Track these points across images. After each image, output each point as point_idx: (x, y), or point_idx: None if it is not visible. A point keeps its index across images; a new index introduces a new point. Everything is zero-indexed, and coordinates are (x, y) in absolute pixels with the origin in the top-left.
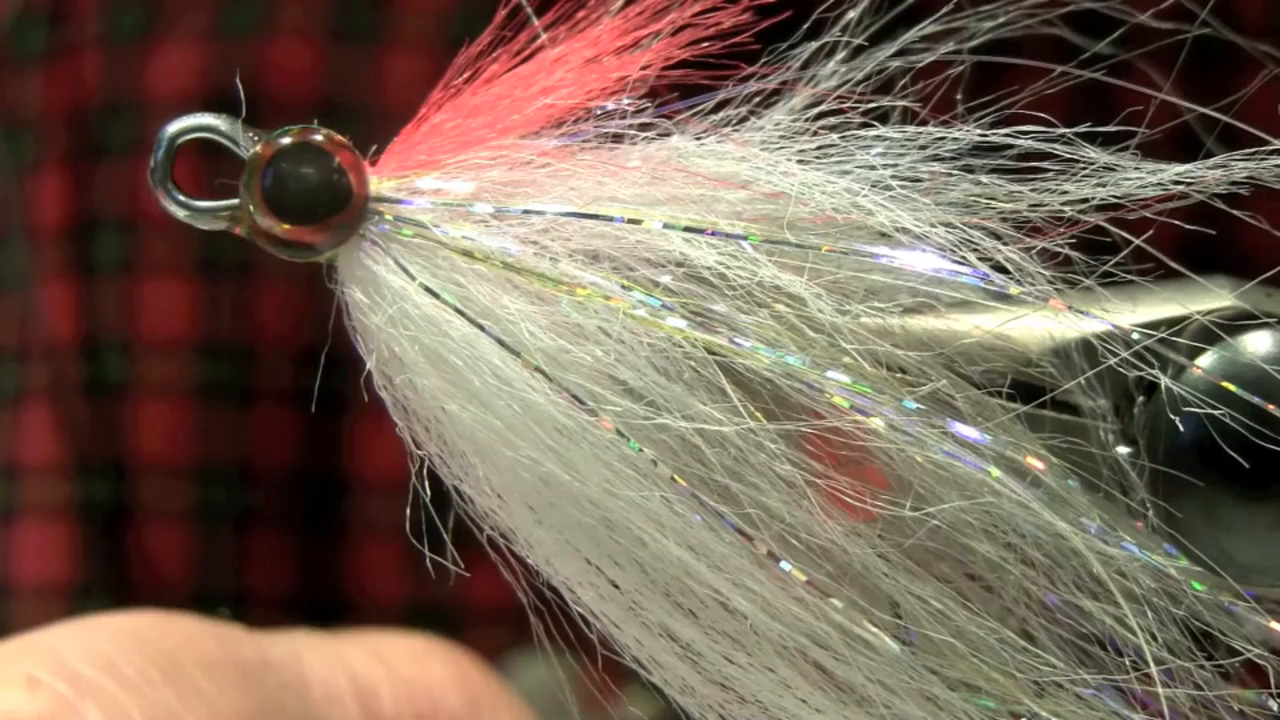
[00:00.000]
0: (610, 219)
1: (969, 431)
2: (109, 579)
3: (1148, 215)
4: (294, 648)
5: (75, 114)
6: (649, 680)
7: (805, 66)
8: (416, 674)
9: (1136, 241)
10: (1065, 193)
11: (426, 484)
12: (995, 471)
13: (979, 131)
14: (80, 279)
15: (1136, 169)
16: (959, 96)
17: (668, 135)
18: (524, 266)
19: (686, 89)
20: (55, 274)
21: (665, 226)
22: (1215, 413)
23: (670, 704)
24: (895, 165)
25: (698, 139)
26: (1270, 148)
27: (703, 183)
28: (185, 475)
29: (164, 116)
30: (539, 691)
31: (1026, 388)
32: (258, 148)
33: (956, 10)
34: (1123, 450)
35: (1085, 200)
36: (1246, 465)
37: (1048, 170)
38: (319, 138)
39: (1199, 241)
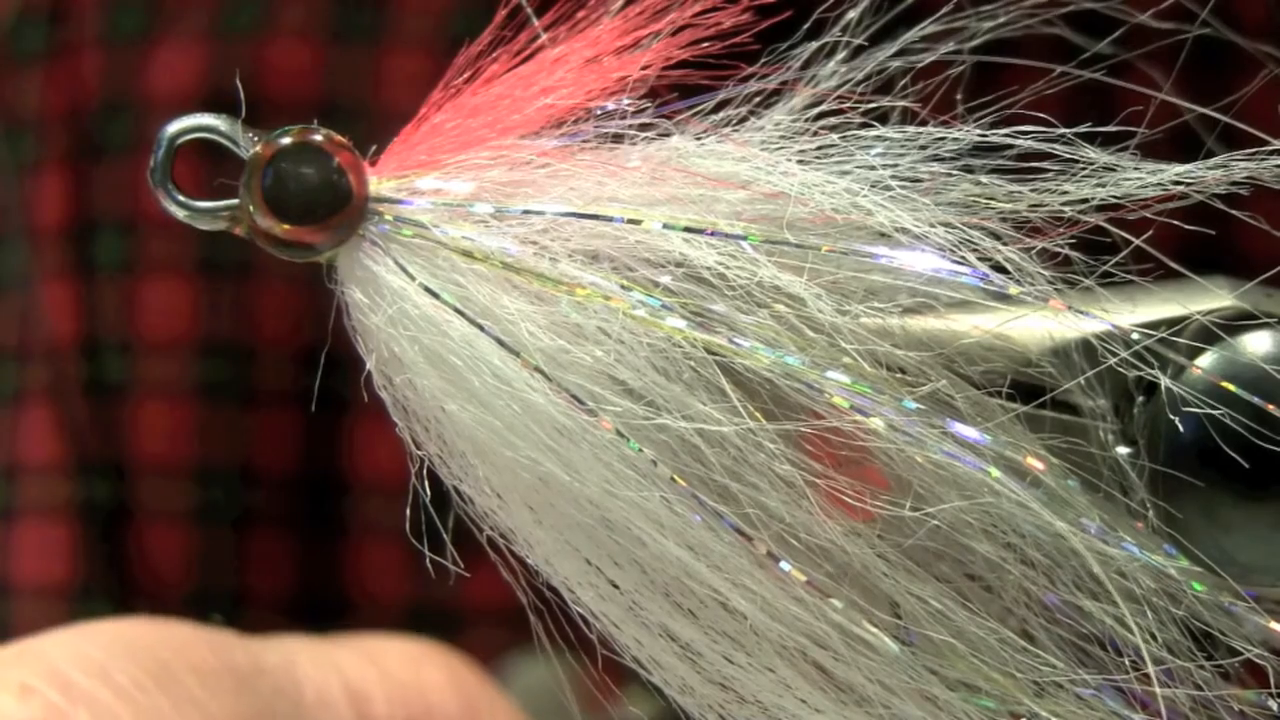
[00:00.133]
0: (610, 219)
1: (969, 431)
2: (109, 580)
3: (1148, 215)
4: (287, 653)
5: (75, 114)
6: (649, 680)
7: (805, 66)
8: (411, 678)
9: (1136, 241)
10: (1065, 193)
11: (426, 484)
12: (995, 471)
13: (979, 131)
14: (80, 279)
15: (1136, 169)
16: (959, 96)
17: (668, 135)
18: (524, 266)
19: (686, 89)
20: (55, 274)
21: (665, 226)
22: (1215, 413)
23: (670, 704)
24: (895, 165)
25: (698, 139)
26: (1270, 148)
27: (703, 183)
28: (185, 476)
29: (164, 117)
30: (539, 692)
31: (1026, 388)
32: (258, 148)
33: (956, 10)
34: (1123, 450)
35: (1085, 200)
36: (1246, 465)
37: (1047, 170)
38: (319, 138)
39: (1199, 241)
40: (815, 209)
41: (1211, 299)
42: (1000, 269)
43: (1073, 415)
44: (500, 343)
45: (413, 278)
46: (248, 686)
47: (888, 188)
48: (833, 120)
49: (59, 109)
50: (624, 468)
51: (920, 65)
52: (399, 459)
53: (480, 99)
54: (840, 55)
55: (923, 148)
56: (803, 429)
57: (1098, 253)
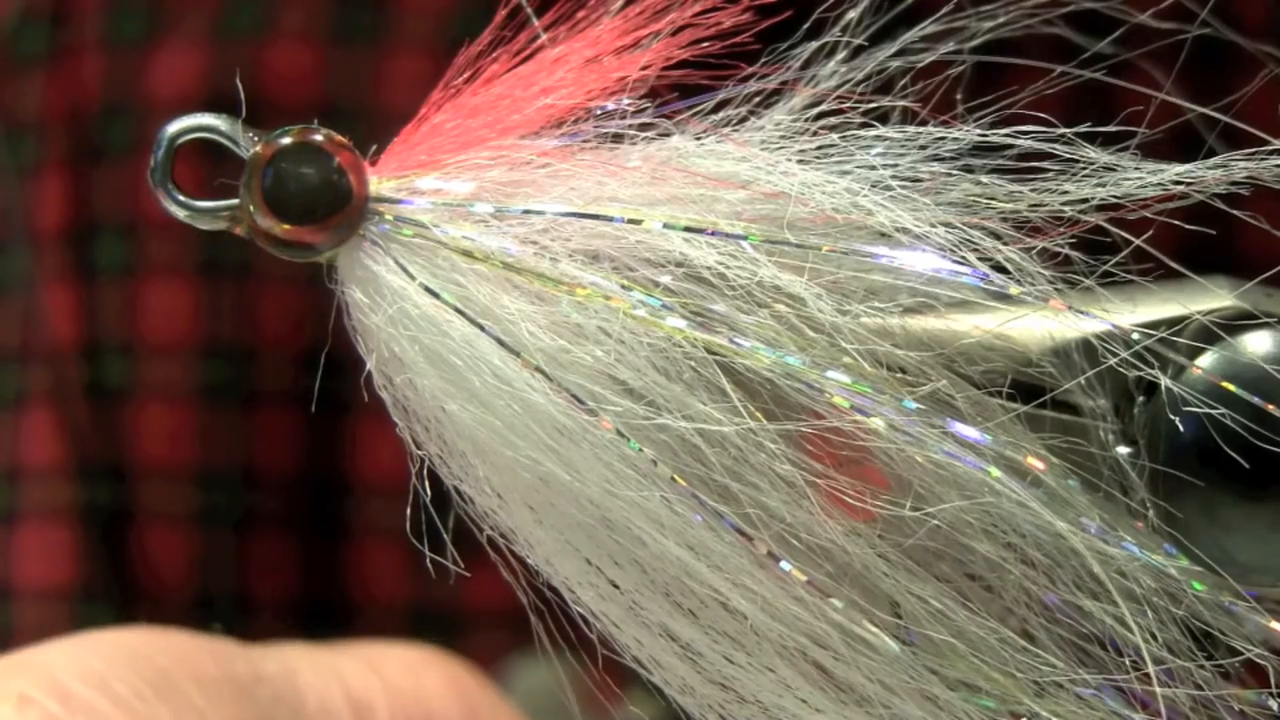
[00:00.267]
0: (610, 219)
1: (969, 431)
2: (111, 582)
3: (1148, 215)
4: (288, 661)
5: (76, 116)
6: (649, 681)
7: (805, 66)
8: (412, 685)
9: (1136, 241)
10: (1065, 193)
11: (427, 485)
12: (995, 471)
13: (979, 131)
14: (81, 282)
15: (1136, 169)
16: (959, 96)
17: (668, 135)
18: (524, 266)
19: (686, 89)
20: (56, 277)
21: (665, 226)
22: (1215, 413)
23: (671, 705)
24: (895, 165)
25: (698, 139)
26: (1270, 148)
27: (703, 183)
28: (187, 478)
29: (165, 119)
30: (541, 694)
31: (1026, 388)
32: (258, 148)
33: (956, 10)
34: (1123, 450)
35: (1085, 200)
36: (1246, 465)
37: (1048, 170)
38: (319, 138)
39: (1199, 241)
40: (815, 209)
41: (1211, 299)
42: (1000, 269)
43: (1073, 415)
44: (500, 343)
45: (413, 277)
46: (248, 695)
47: (888, 188)
48: (833, 120)
49: (60, 111)
50: (624, 467)
51: (920, 65)
52: (401, 460)
53: (480, 99)
54: (840, 55)
55: (923, 148)
56: (803, 429)
57: (1098, 253)
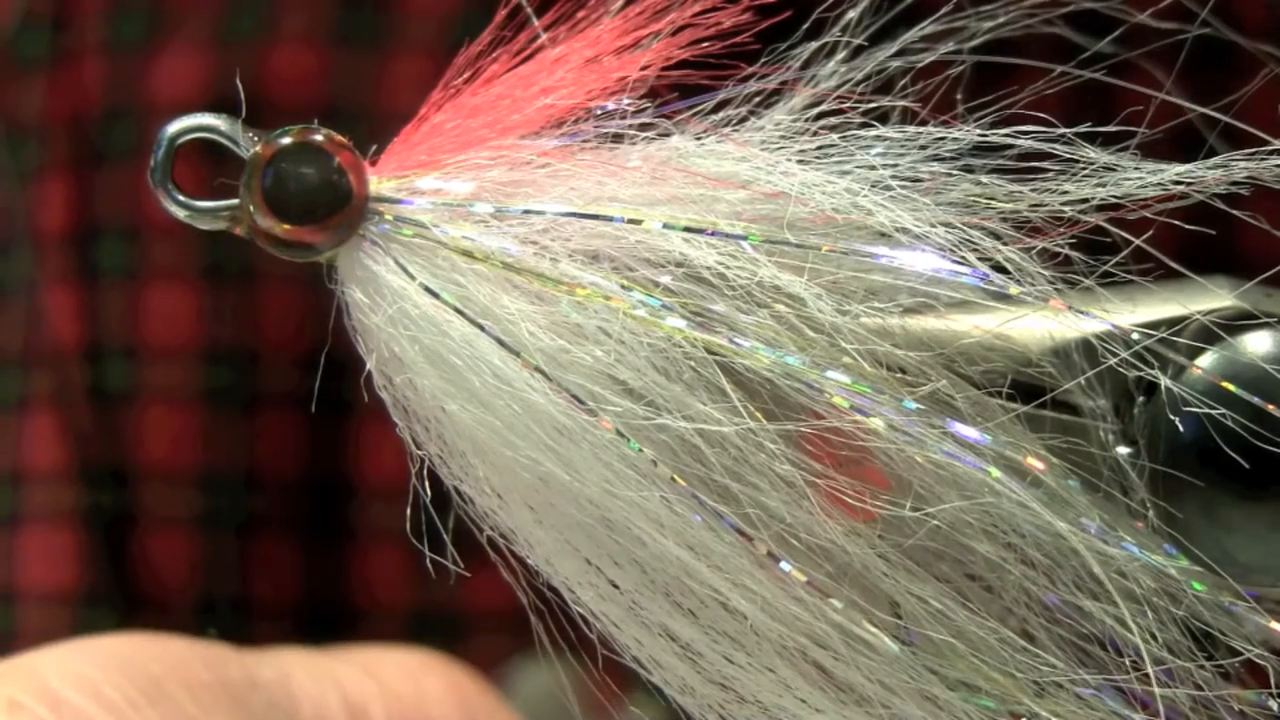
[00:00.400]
0: (610, 219)
1: (969, 431)
2: (113, 586)
3: (1148, 215)
4: (283, 667)
5: (78, 120)
6: (649, 681)
7: (805, 66)
8: (411, 690)
9: (1136, 241)
10: (1065, 193)
11: (427, 486)
12: (995, 471)
13: (979, 131)
14: (84, 285)
15: (1136, 169)
16: (959, 96)
17: (668, 135)
18: (524, 266)
19: (686, 89)
20: (59, 280)
21: (665, 226)
22: (1215, 413)
23: (673, 708)
24: (895, 165)
25: (698, 139)
26: (1270, 148)
27: (703, 183)
28: (189, 481)
29: (166, 122)
30: (543, 698)
31: (1026, 388)
32: (258, 148)
33: (956, 10)
34: (1123, 450)
35: (1085, 200)
36: (1246, 465)
37: (1048, 170)
38: (319, 138)
39: (1199, 242)
40: (815, 209)
41: (1211, 299)
42: (1000, 269)
43: (1073, 415)
44: (500, 343)
45: (413, 277)
46: (241, 701)
47: (888, 188)
48: (833, 120)
49: (62, 115)
50: (624, 468)
51: (920, 65)
52: (403, 463)
53: (480, 99)
54: (840, 55)
55: (923, 148)
56: (803, 429)
57: (1098, 253)
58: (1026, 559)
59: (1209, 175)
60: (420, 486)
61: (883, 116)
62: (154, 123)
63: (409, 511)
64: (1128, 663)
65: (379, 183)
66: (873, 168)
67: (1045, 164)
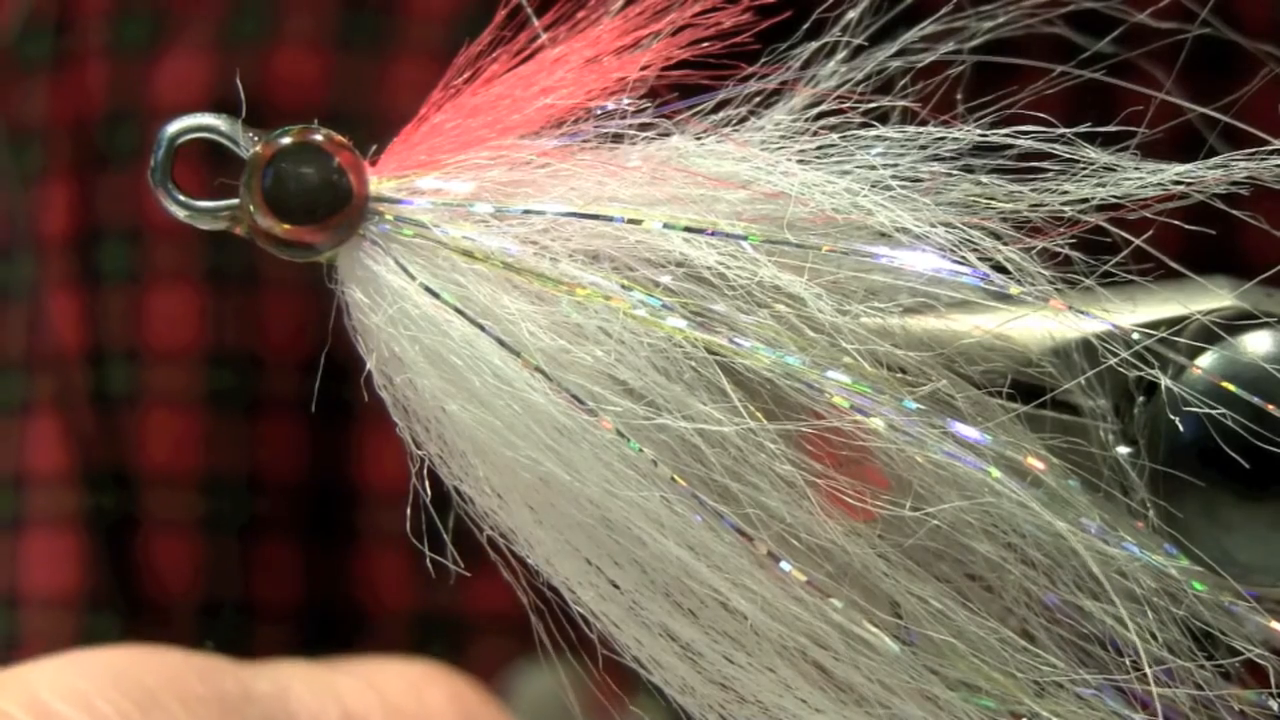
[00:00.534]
0: (610, 219)
1: (969, 431)
2: (116, 589)
3: (1148, 215)
4: (281, 680)
5: (80, 123)
6: (649, 681)
7: (805, 66)
8: (413, 703)
9: (1136, 241)
10: (1065, 193)
11: (428, 487)
12: (995, 471)
13: (979, 131)
14: (86, 288)
15: (1136, 169)
16: (959, 96)
17: (668, 135)
18: (524, 266)
19: (686, 89)
20: (61, 284)
21: (665, 226)
22: (1215, 413)
23: (674, 708)
24: (895, 165)
25: (698, 139)
26: (1270, 148)
27: (703, 183)
28: (192, 485)
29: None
30: (546, 700)
31: (1026, 388)
32: (258, 148)
33: (956, 10)
34: (1123, 450)
35: (1085, 200)
36: (1246, 465)
37: (1048, 170)
38: (319, 138)
39: (1199, 242)
40: (815, 209)
41: (1212, 299)
42: (1001, 269)
43: (1073, 415)
44: (501, 343)
45: (413, 277)
46: (237, 715)
47: (888, 188)
48: (833, 120)
49: (65, 118)
50: (624, 468)
51: (920, 65)
52: (405, 467)
53: (480, 99)
54: (840, 55)
55: (923, 148)
56: (803, 429)
57: (1098, 253)
58: (1027, 559)
59: (1209, 175)
60: (421, 487)
61: (883, 116)
62: (156, 126)
63: (409, 512)
64: (1128, 663)
65: (379, 183)
66: (873, 168)
67: (1045, 164)
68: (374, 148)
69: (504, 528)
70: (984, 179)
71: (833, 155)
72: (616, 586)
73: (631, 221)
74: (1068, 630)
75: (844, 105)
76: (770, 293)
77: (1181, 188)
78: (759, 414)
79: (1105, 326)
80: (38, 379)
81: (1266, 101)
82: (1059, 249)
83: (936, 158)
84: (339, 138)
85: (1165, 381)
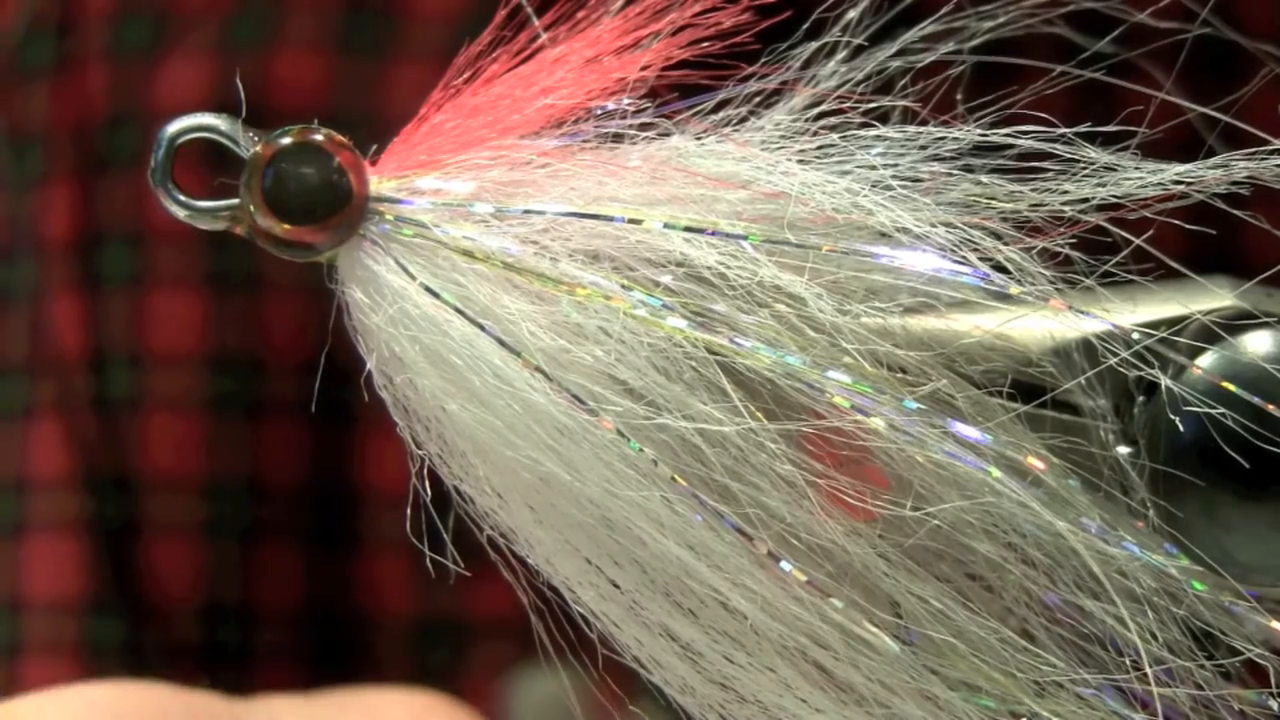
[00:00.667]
0: (610, 219)
1: (969, 431)
2: (118, 594)
3: (1148, 215)
4: (274, 714)
5: (82, 127)
6: (650, 681)
7: (805, 66)
8: None
9: (1137, 241)
10: (1065, 193)
11: (429, 488)
12: (995, 471)
13: (979, 131)
14: (87, 292)
15: (1137, 169)
16: (959, 96)
17: (668, 135)
18: (524, 266)
19: (686, 89)
20: (63, 287)
21: (665, 226)
22: (1215, 413)
23: (674, 709)
24: (895, 165)
25: (698, 139)
26: (1270, 148)
27: (703, 183)
28: (193, 489)
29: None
30: (547, 705)
31: (1026, 388)
32: (258, 148)
33: (956, 10)
34: (1123, 450)
35: (1085, 200)
36: (1246, 465)
37: (1048, 170)
38: (319, 138)
39: (1199, 242)
40: (816, 209)
41: (1212, 299)
42: (1001, 269)
43: (1073, 415)
44: (501, 342)
45: (413, 277)
46: None
47: (888, 187)
48: (833, 120)
49: (66, 122)
50: (624, 467)
51: (920, 65)
52: (407, 470)
53: (480, 99)
54: (840, 55)
55: (923, 147)
56: (804, 429)
57: (1098, 252)
58: (1027, 559)
59: (1209, 175)
60: (421, 488)
61: (883, 116)
62: (158, 129)
63: (409, 512)
64: (1128, 663)
65: (379, 183)
66: (873, 168)
67: (1046, 164)
68: (374, 148)
69: (504, 528)
70: (984, 179)
71: (833, 155)
72: (617, 586)
73: (631, 221)
74: (1068, 630)
75: (844, 105)
76: (770, 293)
77: (1182, 188)
78: (759, 414)
79: (1105, 326)
80: (39, 383)
81: (1266, 101)
82: (1059, 249)
83: (937, 158)
84: (339, 138)
85: (1165, 381)
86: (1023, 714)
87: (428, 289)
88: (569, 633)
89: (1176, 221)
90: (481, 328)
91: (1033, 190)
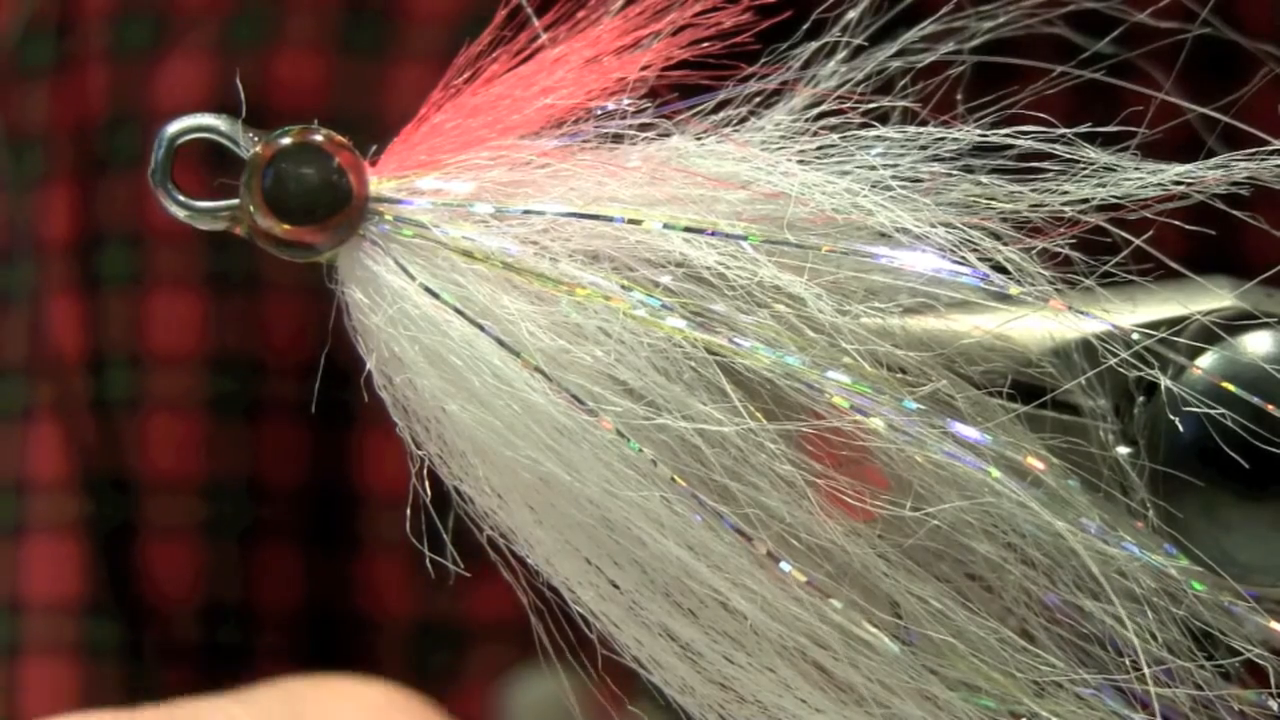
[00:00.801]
0: (610, 219)
1: (969, 431)
2: (117, 596)
3: (1148, 215)
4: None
5: (81, 128)
6: (650, 681)
7: (805, 66)
8: None
9: (1137, 241)
10: (1065, 193)
11: (428, 488)
12: (995, 471)
13: (979, 132)
14: (87, 293)
15: (1137, 169)
16: (959, 97)
17: (668, 135)
18: (524, 266)
19: (686, 89)
20: (62, 288)
21: (665, 226)
22: (1215, 413)
23: (674, 709)
24: (895, 165)
25: (698, 139)
26: (1270, 148)
27: (703, 183)
28: (192, 490)
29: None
30: (546, 706)
31: (1026, 388)
32: (258, 148)
33: (956, 10)
34: (1123, 450)
35: (1085, 200)
36: (1246, 465)
37: (1048, 170)
38: (319, 138)
39: (1199, 242)
40: (815, 209)
41: (1212, 299)
42: (1001, 269)
43: (1073, 415)
44: (500, 343)
45: (413, 278)
46: None
47: (888, 188)
48: (833, 120)
49: (66, 122)
50: (624, 468)
51: (920, 65)
52: (407, 472)
53: (480, 99)
54: (840, 55)
55: (923, 148)
56: (803, 429)
57: (1098, 253)
58: (1027, 559)
59: (1209, 175)
60: (421, 488)
61: (883, 117)
62: (158, 129)
63: (409, 513)
64: (1128, 663)
65: (379, 183)
66: (873, 168)
67: (1045, 164)
68: (374, 148)
69: (504, 528)
70: (984, 179)
71: (833, 155)
72: (616, 586)
73: (631, 221)
74: (1068, 630)
75: (844, 105)
76: (770, 293)
77: (1181, 188)
78: (759, 414)
79: (1105, 326)
80: (38, 384)
81: (1266, 101)
82: (1059, 249)
83: (936, 158)
84: (339, 138)
85: (1165, 382)
86: (1022, 714)
87: (427, 289)
88: (569, 633)
89: (1176, 222)
90: (481, 328)
91: (1033, 191)
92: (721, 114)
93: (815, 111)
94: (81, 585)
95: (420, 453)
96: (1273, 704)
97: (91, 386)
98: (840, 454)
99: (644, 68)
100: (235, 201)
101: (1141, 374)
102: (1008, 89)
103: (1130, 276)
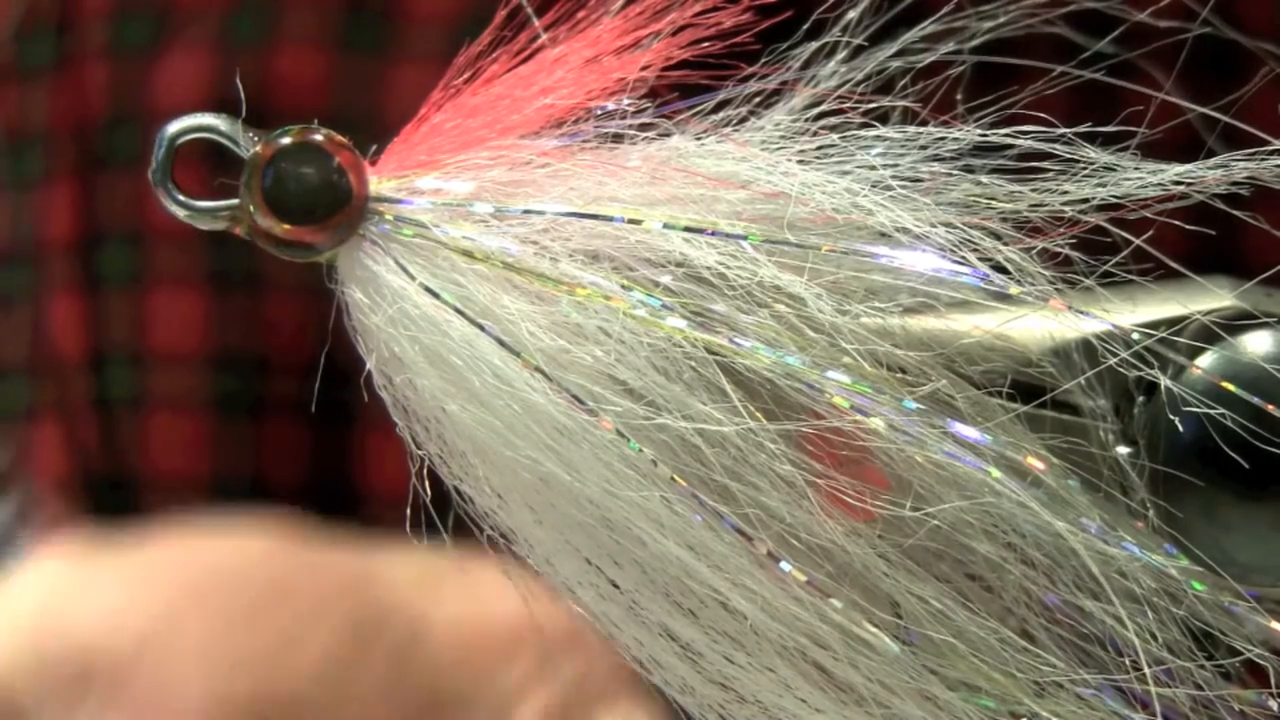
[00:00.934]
0: (610, 219)
1: (969, 431)
2: None
3: (1148, 215)
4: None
5: (81, 126)
6: (649, 681)
7: (805, 66)
8: None
9: (1137, 241)
10: (1065, 193)
11: (428, 488)
12: (995, 472)
13: (979, 131)
14: (87, 293)
15: (1137, 169)
16: (959, 96)
17: (668, 135)
18: (524, 266)
19: (686, 89)
20: (63, 288)
21: (665, 226)
22: (1215, 413)
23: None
24: (895, 165)
25: (698, 139)
26: (1271, 148)
27: (703, 183)
28: (196, 490)
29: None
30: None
31: (1026, 388)
32: (258, 148)
33: (956, 10)
34: (1123, 450)
35: (1085, 200)
36: (1246, 465)
37: (1048, 170)
38: (319, 137)
39: (1199, 242)
40: (815, 209)
41: (1212, 299)
42: (1001, 269)
43: (1073, 415)
44: (500, 343)
45: (413, 277)
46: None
47: (888, 188)
48: (833, 120)
49: (66, 121)
50: (624, 468)
51: (920, 65)
52: (408, 471)
53: (480, 99)
54: (840, 55)
55: (923, 148)
56: (803, 429)
57: (1098, 253)
58: (1027, 559)
59: (1209, 175)
60: (421, 488)
61: (883, 116)
62: (157, 128)
63: (409, 513)
64: (1128, 663)
65: (379, 183)
66: (873, 168)
67: (1046, 164)
68: (374, 148)
69: (504, 528)
70: (984, 179)
71: (833, 155)
72: (616, 586)
73: (631, 221)
74: (1068, 630)
75: (844, 105)
76: (770, 293)
77: (1182, 188)
78: (759, 414)
79: (1105, 326)
80: (39, 384)
81: (1266, 101)
82: (1059, 249)
83: (937, 158)
84: (339, 138)
85: (1165, 381)
86: (1022, 714)
87: (427, 289)
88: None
89: (1176, 222)
90: (481, 328)
91: (1033, 190)
92: (721, 114)
93: (815, 111)
94: None
95: (420, 453)
96: (1273, 704)
97: (93, 386)
98: (840, 454)
99: (644, 68)
100: (235, 201)
101: (1141, 374)
102: (1008, 89)
103: (1130, 276)
